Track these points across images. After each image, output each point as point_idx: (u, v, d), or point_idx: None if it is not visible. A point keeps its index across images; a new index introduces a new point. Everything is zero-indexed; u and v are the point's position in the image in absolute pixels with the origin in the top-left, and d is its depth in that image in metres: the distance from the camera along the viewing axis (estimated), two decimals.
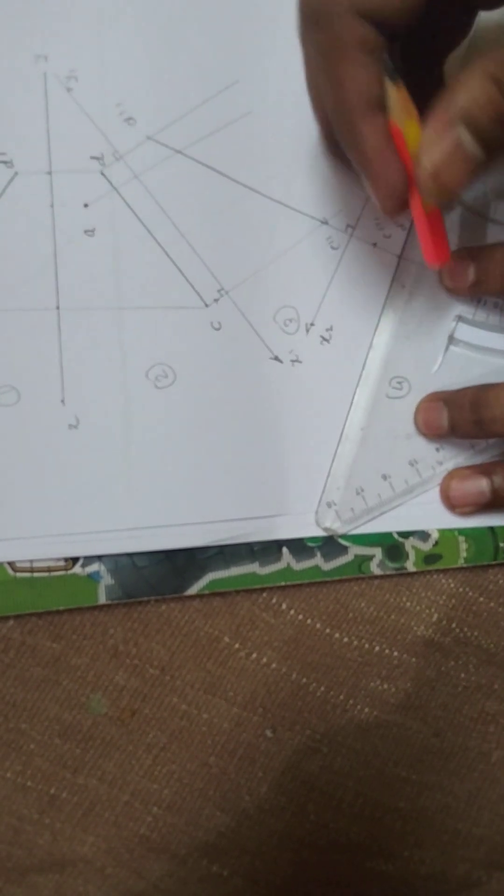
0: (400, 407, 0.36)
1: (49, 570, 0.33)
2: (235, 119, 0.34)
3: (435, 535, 0.37)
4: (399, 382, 0.36)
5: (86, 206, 0.33)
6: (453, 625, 0.37)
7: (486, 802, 0.39)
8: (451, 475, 0.36)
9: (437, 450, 0.36)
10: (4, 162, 0.32)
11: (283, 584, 0.35)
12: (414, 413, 0.36)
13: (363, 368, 0.36)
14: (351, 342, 0.35)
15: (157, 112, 0.33)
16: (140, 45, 0.33)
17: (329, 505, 0.35)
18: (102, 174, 0.33)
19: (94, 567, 0.34)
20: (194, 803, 0.36)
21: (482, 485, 0.35)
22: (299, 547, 0.35)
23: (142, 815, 0.36)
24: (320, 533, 0.35)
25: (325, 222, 0.35)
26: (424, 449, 0.36)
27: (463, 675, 0.38)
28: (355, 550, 0.36)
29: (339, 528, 0.35)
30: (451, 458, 0.36)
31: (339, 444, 0.36)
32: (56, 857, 0.35)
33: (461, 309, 0.36)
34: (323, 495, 0.35)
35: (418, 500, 0.36)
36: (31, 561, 0.33)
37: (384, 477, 0.36)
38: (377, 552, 0.36)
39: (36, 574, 0.33)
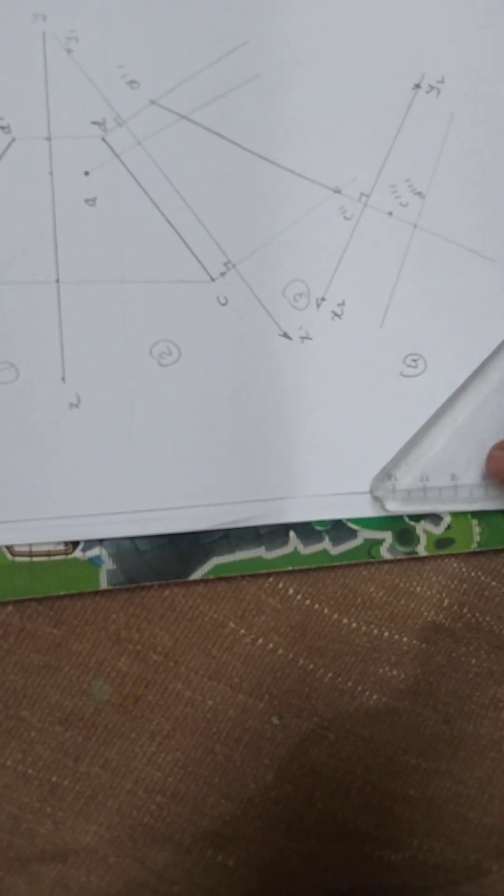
0: None
1: (49, 554, 0.33)
2: (243, 82, 0.33)
3: (447, 519, 0.36)
4: None
5: (86, 173, 0.32)
6: (465, 610, 0.37)
7: (497, 791, 0.38)
8: None
9: None
10: (1, 127, 0.31)
11: (290, 568, 0.35)
12: (486, 458, 0.35)
13: (487, 364, 0.35)
14: (364, 318, 0.35)
15: (161, 75, 0.32)
16: (144, 3, 0.32)
17: (389, 476, 0.35)
18: (104, 140, 0.32)
19: (95, 551, 0.33)
20: (199, 791, 0.36)
21: None
22: (307, 531, 0.35)
23: (145, 804, 0.35)
24: (329, 516, 0.35)
25: (337, 191, 0.34)
26: None
27: (474, 661, 0.37)
28: (365, 534, 0.35)
29: (388, 502, 0.35)
30: None
31: (427, 424, 0.35)
32: (58, 847, 0.35)
33: None
34: (387, 466, 0.35)
35: None
36: (30, 545, 0.32)
37: (452, 477, 0.35)
38: (387, 536, 0.35)
39: (35, 559, 0.33)
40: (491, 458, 0.35)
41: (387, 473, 0.35)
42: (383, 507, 0.35)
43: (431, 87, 0.34)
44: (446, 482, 0.35)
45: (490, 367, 0.35)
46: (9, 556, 0.32)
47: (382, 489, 0.35)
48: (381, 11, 0.34)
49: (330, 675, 0.36)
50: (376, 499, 0.35)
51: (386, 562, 0.36)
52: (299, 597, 0.36)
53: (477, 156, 0.35)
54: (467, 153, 0.35)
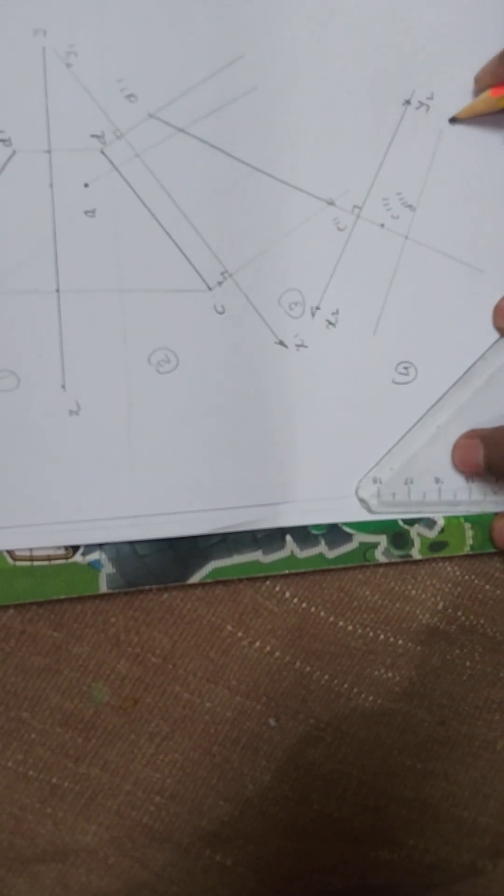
0: (487, 424, 0.36)
1: (49, 558, 0.33)
2: (240, 95, 0.33)
3: (441, 523, 0.36)
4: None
5: (86, 185, 0.32)
6: (459, 613, 0.37)
7: (491, 791, 0.39)
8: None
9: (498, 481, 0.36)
10: (2, 140, 0.31)
11: (286, 572, 0.35)
12: (451, 449, 0.36)
13: (471, 369, 0.36)
14: (357, 326, 0.35)
15: (159, 89, 0.32)
16: (142, 18, 0.32)
17: (374, 480, 0.35)
18: (103, 153, 0.32)
19: (94, 555, 0.33)
20: (197, 792, 0.36)
21: None
22: (303, 535, 0.35)
23: (144, 805, 0.35)
24: (325, 520, 0.35)
25: (331, 203, 0.34)
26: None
27: (468, 664, 0.38)
28: (360, 538, 0.35)
29: (374, 505, 0.35)
30: None
31: (411, 428, 0.35)
32: (58, 847, 0.35)
33: None
34: (373, 468, 0.35)
35: None
36: (31, 549, 0.33)
37: (436, 480, 0.35)
38: (382, 540, 0.36)
39: (36, 563, 0.33)
40: (457, 448, 0.35)
41: (372, 477, 0.35)
42: (369, 510, 0.35)
43: (421, 104, 0.35)
44: (430, 485, 0.35)
45: (471, 372, 0.36)
46: (10, 561, 0.32)
47: (368, 493, 0.35)
48: (373, 31, 0.34)
49: (326, 677, 0.36)
50: (362, 501, 0.35)
51: (381, 565, 0.36)
52: (296, 600, 0.36)
53: (465, 170, 0.35)
54: (456, 167, 0.35)
